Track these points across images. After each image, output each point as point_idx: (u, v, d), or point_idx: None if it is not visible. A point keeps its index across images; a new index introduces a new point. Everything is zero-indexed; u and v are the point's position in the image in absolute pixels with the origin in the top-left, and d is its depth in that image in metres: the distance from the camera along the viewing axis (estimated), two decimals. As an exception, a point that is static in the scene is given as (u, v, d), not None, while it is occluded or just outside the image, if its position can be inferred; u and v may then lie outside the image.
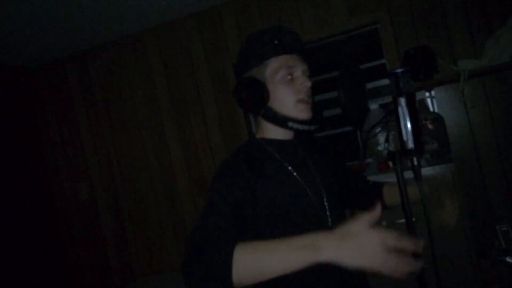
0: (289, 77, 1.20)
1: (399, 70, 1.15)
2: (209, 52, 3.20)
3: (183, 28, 3.25)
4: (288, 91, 1.19)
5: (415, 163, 1.16)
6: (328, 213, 1.22)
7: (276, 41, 1.19)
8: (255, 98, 1.18)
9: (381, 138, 2.43)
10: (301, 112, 1.20)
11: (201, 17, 3.20)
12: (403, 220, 1.23)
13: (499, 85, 2.59)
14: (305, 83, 1.20)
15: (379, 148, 2.42)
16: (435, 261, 1.16)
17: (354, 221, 0.87)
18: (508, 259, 2.18)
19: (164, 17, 3.18)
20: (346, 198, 1.42)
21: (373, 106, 2.56)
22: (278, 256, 0.87)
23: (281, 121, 1.21)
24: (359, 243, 0.83)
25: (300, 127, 1.21)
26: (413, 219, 1.31)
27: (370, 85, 2.91)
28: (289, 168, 1.21)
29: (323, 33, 2.92)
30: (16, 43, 3.09)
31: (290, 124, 1.20)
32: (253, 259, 0.89)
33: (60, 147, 3.66)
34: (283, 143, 1.26)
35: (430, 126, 2.38)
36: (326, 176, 1.29)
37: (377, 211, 0.87)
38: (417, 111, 1.16)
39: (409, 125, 1.13)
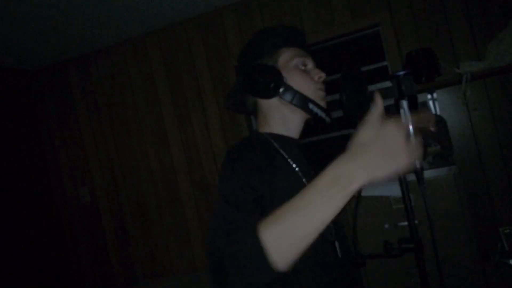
0: (303, 67, 1.17)
1: (401, 73, 1.15)
2: (211, 55, 3.20)
3: (185, 31, 3.26)
4: (306, 79, 1.15)
5: (418, 166, 1.16)
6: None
7: (288, 34, 1.18)
8: (272, 80, 1.10)
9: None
10: (321, 99, 1.16)
11: (203, 20, 3.20)
12: (404, 223, 1.24)
13: (501, 88, 2.59)
14: (321, 74, 1.18)
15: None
16: (438, 263, 1.16)
17: (362, 127, 0.77)
18: (511, 262, 2.17)
19: (165, 20, 3.18)
20: None
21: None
22: (308, 210, 0.75)
23: (302, 100, 1.12)
24: (381, 148, 0.72)
25: (319, 112, 1.14)
26: (416, 221, 1.31)
27: (371, 87, 2.90)
28: (295, 167, 1.15)
29: (325, 35, 2.93)
30: (18, 46, 3.10)
31: (311, 106, 1.13)
32: (284, 230, 0.76)
33: (62, 150, 3.67)
34: (289, 141, 1.18)
35: (432, 129, 2.37)
36: None
37: (378, 100, 0.78)
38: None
39: (411, 128, 1.13)
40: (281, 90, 1.11)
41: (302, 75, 1.15)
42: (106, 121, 3.52)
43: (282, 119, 1.17)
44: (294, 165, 1.14)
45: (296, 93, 1.12)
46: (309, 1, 2.94)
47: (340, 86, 1.18)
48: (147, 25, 3.20)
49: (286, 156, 1.13)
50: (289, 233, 0.76)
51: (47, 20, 2.72)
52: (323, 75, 1.18)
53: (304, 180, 1.15)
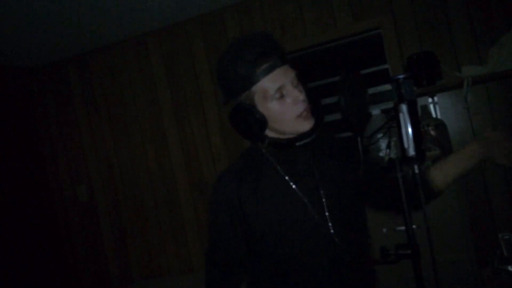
0: (281, 95, 1.14)
1: (401, 76, 1.14)
2: (211, 55, 3.19)
3: (186, 31, 3.25)
4: (284, 110, 1.15)
5: (416, 170, 1.14)
6: (329, 222, 1.19)
7: (258, 60, 1.11)
8: (253, 127, 1.16)
9: (383, 144, 2.41)
10: (303, 125, 1.17)
11: (204, 20, 3.19)
12: (403, 227, 1.22)
13: (503, 92, 2.57)
14: (298, 97, 1.14)
15: (381, 154, 2.40)
16: (436, 269, 1.15)
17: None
18: (510, 268, 2.16)
19: (166, 20, 3.17)
20: (368, 197, 1.36)
21: (375, 111, 2.54)
22: None
23: (287, 145, 1.20)
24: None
25: (308, 140, 1.18)
26: (413, 226, 1.29)
27: (372, 90, 2.89)
28: (288, 180, 1.20)
29: (326, 37, 2.91)
30: (18, 44, 3.10)
31: (298, 143, 1.18)
32: None
33: (60, 149, 3.65)
34: (288, 150, 1.22)
35: (432, 133, 2.36)
36: (333, 180, 1.25)
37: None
38: (418, 118, 1.15)
39: (410, 132, 1.12)
40: (265, 142, 1.20)
41: (279, 109, 1.15)
42: (105, 120, 3.50)
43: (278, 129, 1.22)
44: (285, 176, 1.20)
45: (279, 141, 1.20)
46: (311, 3, 2.93)
47: (339, 89, 1.16)
48: (148, 24, 3.19)
49: (279, 169, 1.21)
50: None
51: (47, 18, 2.71)
52: (300, 97, 1.15)
53: (291, 184, 1.20)
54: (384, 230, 2.24)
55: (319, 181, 1.23)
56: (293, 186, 1.19)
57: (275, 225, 1.18)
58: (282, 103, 1.14)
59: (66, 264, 3.64)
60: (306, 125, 1.17)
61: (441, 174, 1.32)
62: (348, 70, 1.21)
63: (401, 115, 1.13)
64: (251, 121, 1.15)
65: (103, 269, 3.55)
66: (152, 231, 3.39)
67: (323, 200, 1.20)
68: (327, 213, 1.20)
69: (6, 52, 3.21)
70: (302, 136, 1.18)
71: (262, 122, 1.15)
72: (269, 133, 1.21)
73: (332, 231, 1.18)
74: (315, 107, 1.21)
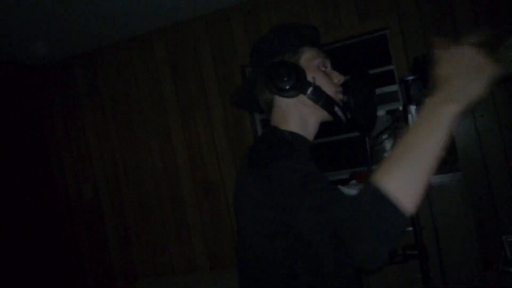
0: (324, 68, 1.14)
1: (410, 78, 1.14)
2: (217, 55, 3.19)
3: (191, 30, 3.25)
4: (328, 80, 1.12)
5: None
6: None
7: (310, 32, 1.16)
8: (299, 79, 1.05)
9: (388, 145, 2.41)
10: (340, 102, 1.14)
11: (210, 19, 3.20)
12: (408, 228, 1.22)
13: (508, 94, 2.57)
14: (340, 77, 1.15)
15: (386, 155, 2.40)
16: (443, 270, 1.15)
17: (435, 65, 0.81)
18: (514, 270, 2.16)
19: (172, 19, 3.18)
20: None
21: (380, 112, 2.54)
22: (420, 141, 0.76)
23: (329, 101, 1.09)
24: (464, 69, 0.76)
25: (342, 115, 1.12)
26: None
27: (377, 91, 2.89)
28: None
29: (332, 37, 2.91)
30: (24, 42, 3.10)
31: (336, 108, 1.10)
32: (403, 170, 0.74)
33: (65, 147, 3.66)
34: (305, 143, 1.13)
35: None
36: None
37: (435, 40, 0.82)
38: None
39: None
40: (309, 90, 1.07)
41: (324, 77, 1.11)
42: (110, 118, 3.51)
43: (301, 119, 1.12)
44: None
45: (324, 94, 1.08)
46: (316, 3, 2.93)
47: (348, 88, 1.17)
48: (154, 23, 3.20)
49: (308, 158, 1.08)
50: (409, 170, 0.74)
51: (54, 16, 2.72)
52: (342, 78, 1.15)
53: None
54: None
55: None
56: None
57: None
58: (326, 76, 1.13)
59: (70, 262, 3.65)
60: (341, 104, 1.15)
61: None
62: (357, 70, 1.21)
63: (409, 116, 1.14)
64: (295, 75, 1.05)
65: (107, 266, 3.56)
66: (156, 230, 3.40)
67: None
68: None
69: (13, 49, 3.22)
70: (345, 111, 1.14)
71: (305, 77, 1.07)
72: (293, 111, 1.14)
73: None
74: None
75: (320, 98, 1.07)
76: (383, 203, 0.72)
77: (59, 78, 3.67)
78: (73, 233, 3.65)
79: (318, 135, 1.19)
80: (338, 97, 1.12)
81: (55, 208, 3.64)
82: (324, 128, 1.17)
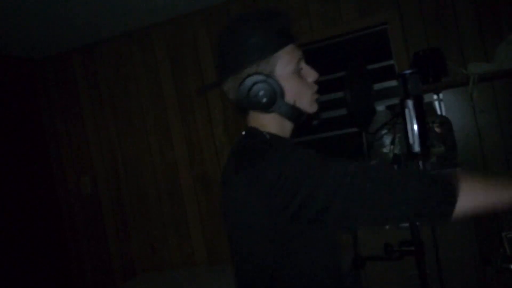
0: (299, 69, 1.09)
1: (407, 72, 1.13)
2: (216, 48, 3.17)
3: (191, 24, 3.23)
4: (305, 86, 1.09)
5: (421, 167, 1.14)
6: None
7: (282, 29, 1.06)
8: (271, 96, 1.04)
9: (387, 140, 2.40)
10: (314, 106, 1.12)
11: (209, 13, 3.18)
12: (406, 224, 1.21)
13: (509, 90, 2.56)
14: (315, 76, 1.11)
15: (385, 150, 2.39)
16: (439, 267, 1.15)
17: None
18: (513, 267, 2.15)
19: (171, 12, 3.16)
20: None
21: (380, 107, 2.53)
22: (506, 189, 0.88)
23: (297, 115, 1.09)
24: None
25: (316, 122, 1.14)
26: (417, 223, 1.28)
27: (377, 86, 2.87)
28: None
29: (332, 32, 2.90)
30: (22, 35, 3.09)
31: (303, 118, 1.11)
32: (480, 191, 0.90)
33: (64, 141, 3.66)
34: (286, 142, 1.12)
35: (437, 129, 2.35)
36: None
37: None
38: (424, 114, 1.14)
39: (416, 128, 1.11)
40: (281, 108, 1.06)
41: (299, 82, 1.08)
42: (109, 112, 3.50)
43: (277, 124, 1.11)
44: None
45: (292, 107, 1.08)
46: (316, -3, 2.91)
47: (345, 84, 1.16)
48: (153, 17, 3.18)
49: None
50: (488, 198, 0.90)
51: (52, 9, 2.70)
52: (317, 76, 1.11)
53: None
54: (387, 226, 2.23)
55: None
56: None
57: None
58: (302, 81, 1.09)
59: (69, 257, 3.65)
60: (315, 107, 1.12)
61: None
62: (354, 65, 1.20)
63: (407, 110, 1.12)
64: (270, 89, 1.03)
65: (106, 261, 3.56)
66: (155, 224, 3.40)
67: None
68: None
69: (11, 42, 3.21)
70: (310, 115, 1.12)
71: (282, 92, 1.05)
72: (267, 117, 1.12)
73: None
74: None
75: (294, 114, 1.08)
76: (448, 198, 0.87)
77: (58, 72, 3.66)
78: (72, 228, 3.65)
79: (316, 130, 1.19)
80: (313, 99, 1.10)
81: (54, 202, 3.64)
82: (323, 123, 1.17)
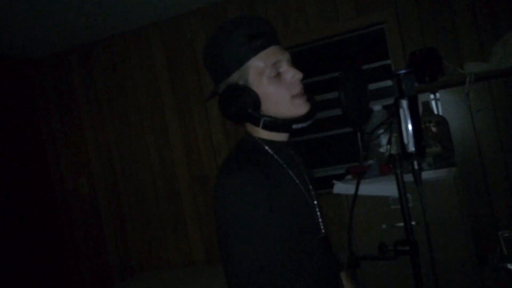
0: (277, 73, 1.07)
1: (402, 72, 1.13)
2: (213, 48, 3.17)
3: (188, 24, 3.23)
4: (280, 90, 1.06)
5: (416, 167, 1.14)
6: (320, 220, 1.15)
7: (251, 36, 1.04)
8: (247, 109, 1.05)
9: (384, 140, 2.40)
10: (299, 108, 1.08)
11: (206, 13, 3.18)
12: (403, 223, 1.21)
13: (505, 89, 2.56)
14: (296, 75, 1.07)
15: (381, 150, 2.39)
16: (434, 266, 1.15)
17: None
18: (509, 266, 2.15)
19: (168, 12, 3.16)
20: None
21: (377, 107, 2.53)
22: None
23: (284, 126, 1.09)
24: None
25: (304, 124, 1.10)
26: (413, 223, 1.29)
27: (374, 86, 2.88)
28: (290, 173, 1.12)
29: (329, 31, 2.90)
30: (19, 35, 3.09)
31: (294, 126, 1.09)
32: None
33: (61, 141, 3.66)
34: (280, 145, 1.14)
35: (433, 129, 2.35)
36: (311, 180, 1.21)
37: None
38: (419, 114, 1.14)
39: (410, 128, 1.11)
40: (261, 123, 1.07)
41: (276, 88, 1.06)
42: (107, 112, 3.50)
43: (266, 130, 1.11)
44: (287, 169, 1.11)
45: (275, 121, 1.08)
46: (313, -3, 2.91)
47: (339, 84, 1.16)
48: (150, 16, 3.18)
49: (281, 162, 1.10)
50: None
51: (49, 9, 2.70)
52: (299, 75, 1.08)
53: (297, 181, 1.12)
54: (384, 226, 2.23)
55: (304, 174, 1.18)
56: (296, 180, 1.12)
57: (288, 216, 1.07)
58: (278, 81, 1.06)
59: (67, 256, 3.65)
60: (302, 108, 1.08)
61: None
62: (348, 66, 1.20)
63: (401, 110, 1.13)
64: (244, 101, 1.04)
65: (103, 261, 3.56)
66: (152, 224, 3.40)
67: (313, 195, 1.17)
68: (317, 209, 1.15)
69: (8, 42, 3.20)
70: (297, 119, 1.09)
71: (256, 101, 1.05)
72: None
73: (322, 227, 1.14)
74: (309, 96, 1.13)
75: (275, 126, 1.09)
76: None
77: (55, 72, 3.65)
78: (70, 228, 3.65)
79: (313, 130, 1.19)
80: (293, 103, 1.08)
81: (52, 202, 3.64)
82: (319, 123, 1.17)
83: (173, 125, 3.32)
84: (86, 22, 3.05)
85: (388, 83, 2.84)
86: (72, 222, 3.65)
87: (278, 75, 1.06)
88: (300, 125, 1.09)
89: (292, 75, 1.06)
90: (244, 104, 1.04)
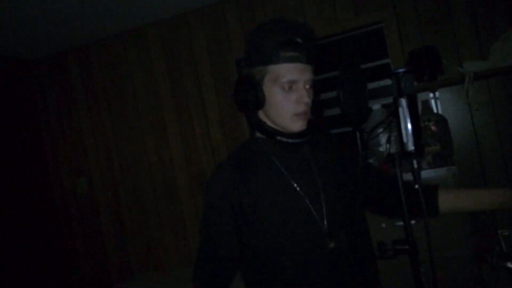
0: (288, 87, 1.12)
1: (400, 70, 1.12)
2: (212, 48, 3.17)
3: (186, 23, 3.23)
4: (285, 103, 1.13)
5: (415, 166, 1.13)
6: (324, 217, 1.17)
7: (283, 45, 1.10)
8: (249, 102, 1.15)
9: (383, 139, 2.40)
10: (295, 124, 1.16)
11: (205, 12, 3.17)
12: (402, 223, 1.21)
13: (504, 88, 2.56)
14: (303, 97, 1.13)
15: (381, 149, 2.39)
16: (433, 265, 1.14)
17: None
18: (509, 265, 2.15)
19: (167, 12, 3.15)
20: (364, 199, 1.32)
21: (376, 106, 2.53)
22: None
23: (268, 133, 1.18)
24: None
25: (289, 140, 1.17)
26: (412, 222, 1.28)
27: (373, 85, 2.87)
28: (285, 172, 1.17)
29: (327, 31, 2.89)
30: (17, 35, 3.08)
31: (278, 138, 1.17)
32: None
33: (60, 141, 3.65)
34: (287, 145, 1.19)
35: (433, 128, 2.35)
36: (331, 177, 1.23)
37: None
38: (418, 112, 1.14)
39: (409, 127, 1.11)
40: (252, 119, 1.19)
41: (282, 99, 1.13)
42: (105, 112, 3.50)
43: (272, 123, 1.20)
44: (282, 169, 1.17)
45: (263, 125, 1.18)
46: (312, -4, 2.91)
47: (338, 83, 1.15)
48: (148, 16, 3.17)
49: (276, 162, 1.18)
50: None
51: (47, 9, 2.69)
52: (306, 100, 1.14)
53: (293, 182, 1.15)
54: (383, 225, 2.23)
55: (317, 176, 1.21)
56: (291, 181, 1.17)
57: (269, 216, 1.14)
58: (287, 96, 1.13)
59: (66, 257, 3.64)
60: (297, 126, 1.16)
61: (453, 202, 1.30)
62: (347, 65, 1.20)
63: (400, 109, 1.12)
64: (252, 95, 1.14)
65: (102, 261, 3.56)
66: (151, 224, 3.40)
67: (321, 192, 1.18)
68: (324, 207, 1.17)
69: (6, 42, 3.20)
70: (286, 134, 1.17)
71: (260, 101, 1.14)
72: (262, 118, 1.21)
73: (326, 223, 1.16)
74: (316, 118, 1.22)
75: (260, 129, 1.19)
76: None
77: (53, 72, 3.65)
78: (69, 228, 3.65)
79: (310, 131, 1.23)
80: (292, 120, 1.15)
81: (50, 203, 3.63)
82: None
83: (172, 125, 3.31)
84: (84, 22, 3.05)
85: (387, 82, 2.84)
86: (71, 222, 3.64)
87: (289, 89, 1.13)
88: (284, 139, 1.17)
89: (300, 97, 1.13)
90: (248, 98, 1.14)
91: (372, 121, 2.41)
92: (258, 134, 1.23)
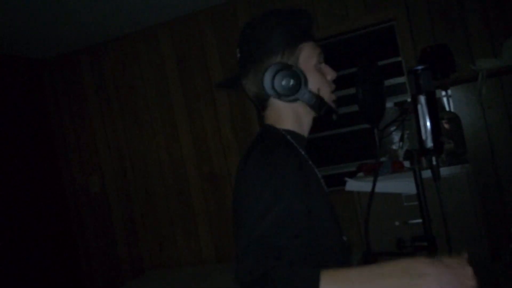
0: (319, 65, 1.10)
1: (419, 68, 1.13)
2: (223, 47, 3.18)
3: (197, 23, 3.24)
4: (324, 81, 1.10)
5: (434, 162, 1.14)
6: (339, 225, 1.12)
7: (311, 23, 1.10)
8: (296, 82, 1.04)
9: (396, 137, 2.40)
10: (333, 101, 1.11)
11: (215, 11, 3.18)
12: (416, 220, 1.22)
13: (517, 85, 2.55)
14: (334, 75, 1.12)
15: (394, 147, 2.39)
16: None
17: (452, 257, 0.90)
18: (523, 262, 2.15)
19: (178, 11, 3.17)
20: None
21: (388, 104, 2.53)
22: (376, 285, 0.80)
23: (319, 104, 1.07)
24: (458, 275, 0.84)
25: (334, 116, 1.10)
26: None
27: (385, 83, 2.87)
28: (315, 169, 1.10)
29: (338, 29, 2.89)
30: (30, 35, 3.11)
31: (327, 109, 1.09)
32: None
33: (72, 140, 3.68)
34: (302, 140, 1.12)
35: (446, 126, 2.34)
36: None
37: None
38: (437, 109, 1.14)
39: (428, 124, 1.11)
40: (308, 97, 1.06)
41: (320, 77, 1.09)
42: (117, 111, 3.52)
43: (296, 117, 1.10)
44: (312, 165, 1.09)
45: (320, 101, 1.07)
46: (323, -6, 2.91)
47: (357, 80, 1.16)
48: (159, 16, 3.19)
49: (306, 156, 1.09)
50: None
51: (60, 9, 2.72)
52: (335, 74, 1.12)
53: (321, 179, 1.09)
54: (397, 223, 2.23)
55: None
56: (320, 178, 1.10)
57: (320, 216, 1.03)
58: (322, 77, 1.10)
59: (78, 255, 3.67)
60: (333, 103, 1.12)
61: None
62: (365, 62, 1.20)
63: (419, 106, 1.13)
64: (295, 76, 1.04)
65: (114, 259, 3.58)
66: (163, 222, 3.42)
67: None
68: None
69: (19, 42, 3.23)
70: (335, 110, 1.12)
71: (306, 80, 1.05)
72: (286, 107, 1.11)
73: (344, 237, 1.11)
74: None
75: (317, 103, 1.07)
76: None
77: (65, 72, 3.67)
78: (81, 226, 3.67)
79: (325, 127, 1.19)
80: (331, 96, 1.10)
81: (63, 201, 3.66)
82: (330, 121, 1.16)
83: (183, 123, 3.32)
84: (95, 21, 3.07)
85: (399, 80, 2.84)
86: (83, 220, 3.67)
87: (321, 68, 1.09)
88: (334, 116, 1.10)
89: (332, 74, 1.11)
90: (298, 79, 1.04)
91: (384, 119, 2.41)
92: (279, 124, 1.11)
